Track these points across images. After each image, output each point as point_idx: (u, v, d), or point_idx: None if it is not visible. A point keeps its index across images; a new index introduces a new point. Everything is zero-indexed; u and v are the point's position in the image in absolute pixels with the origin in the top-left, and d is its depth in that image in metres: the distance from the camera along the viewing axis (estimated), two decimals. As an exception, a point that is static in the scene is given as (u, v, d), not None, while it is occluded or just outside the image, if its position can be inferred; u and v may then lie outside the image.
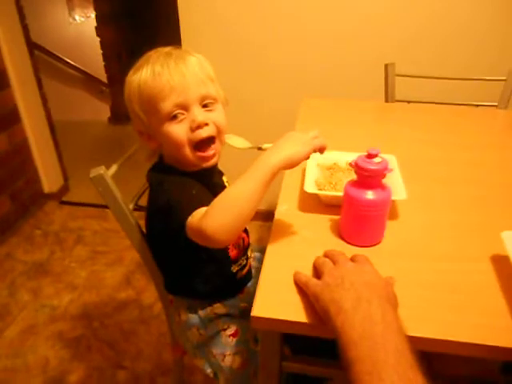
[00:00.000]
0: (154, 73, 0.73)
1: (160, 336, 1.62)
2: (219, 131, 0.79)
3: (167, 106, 0.74)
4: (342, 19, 1.79)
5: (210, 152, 0.78)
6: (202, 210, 0.69)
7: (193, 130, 0.75)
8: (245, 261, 0.93)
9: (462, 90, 1.53)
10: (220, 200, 0.67)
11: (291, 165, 0.68)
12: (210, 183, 0.84)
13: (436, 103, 1.46)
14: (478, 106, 1.49)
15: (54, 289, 1.88)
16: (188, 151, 0.77)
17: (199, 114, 0.75)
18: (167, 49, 0.79)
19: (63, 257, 2.09)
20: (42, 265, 2.03)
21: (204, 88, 0.76)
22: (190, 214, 0.69)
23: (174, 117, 0.75)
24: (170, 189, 0.76)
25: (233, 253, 0.88)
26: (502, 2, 1.65)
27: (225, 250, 0.87)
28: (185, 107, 0.75)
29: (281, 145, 0.69)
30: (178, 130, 0.75)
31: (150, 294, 1.81)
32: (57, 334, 1.65)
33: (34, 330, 1.67)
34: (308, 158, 0.71)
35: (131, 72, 0.78)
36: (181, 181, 0.77)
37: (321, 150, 0.74)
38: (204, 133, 0.76)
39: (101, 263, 2.04)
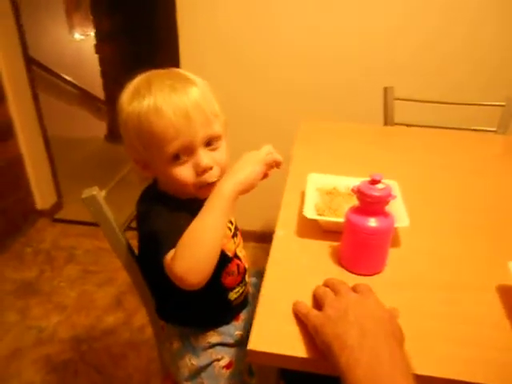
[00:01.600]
0: (156, 109, 0.68)
1: (150, 361, 1.56)
2: (222, 170, 0.76)
3: (171, 148, 0.70)
4: (341, 42, 1.79)
5: (211, 190, 0.75)
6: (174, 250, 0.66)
7: (199, 174, 0.73)
8: (243, 287, 0.90)
9: (460, 115, 1.53)
10: (184, 239, 0.64)
11: (247, 188, 0.67)
12: None
13: (435, 127, 1.45)
14: (476, 130, 1.48)
15: (42, 309, 1.83)
16: (191, 189, 0.74)
17: (204, 157, 0.72)
18: (170, 76, 0.74)
19: (53, 276, 2.04)
20: (31, 284, 1.98)
21: (209, 128, 0.72)
22: (165, 251, 0.66)
23: (177, 157, 0.71)
24: (155, 219, 0.73)
25: (227, 280, 0.85)
26: (500, 26, 1.66)
27: (217, 279, 0.83)
28: (189, 150, 0.71)
29: (234, 169, 0.68)
30: (184, 173, 0.72)
31: (140, 316, 1.76)
32: (44, 358, 1.59)
33: (20, 352, 1.61)
34: (266, 176, 0.71)
35: (129, 96, 0.73)
36: (168, 212, 0.73)
37: (277, 165, 0.73)
38: (210, 178, 0.73)
39: (91, 283, 1.99)
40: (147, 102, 0.69)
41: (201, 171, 0.72)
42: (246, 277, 0.93)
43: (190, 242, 0.64)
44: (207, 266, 0.65)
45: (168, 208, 0.74)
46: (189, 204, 0.75)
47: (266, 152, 0.71)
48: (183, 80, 0.73)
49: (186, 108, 0.69)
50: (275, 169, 0.74)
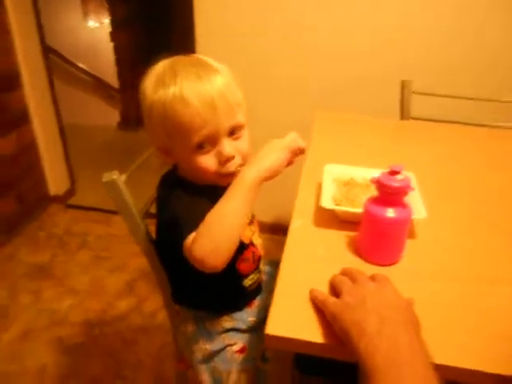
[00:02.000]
0: (182, 98, 0.69)
1: (162, 346, 1.59)
2: (244, 159, 0.77)
3: (195, 138, 0.71)
4: (357, 36, 1.79)
5: (232, 178, 0.76)
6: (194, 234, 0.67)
7: (222, 163, 0.74)
8: (257, 275, 0.91)
9: (476, 111, 1.52)
10: (205, 223, 0.66)
11: (272, 174, 0.68)
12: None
13: (451, 122, 1.44)
14: (492, 126, 1.47)
15: (55, 293, 1.86)
16: (212, 178, 0.76)
17: (227, 147, 0.73)
18: (195, 63, 0.74)
19: (66, 260, 2.07)
20: (44, 268, 2.01)
21: (233, 118, 0.73)
22: (185, 235, 0.68)
23: (201, 146, 0.72)
24: (175, 205, 0.74)
25: (242, 267, 0.86)
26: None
27: (232, 265, 0.83)
28: (213, 139, 0.72)
29: (259, 156, 0.69)
30: (207, 162, 0.73)
31: (152, 302, 1.79)
32: (56, 340, 1.62)
33: (33, 334, 1.65)
34: (290, 163, 0.72)
35: (153, 84, 0.72)
36: (189, 197, 0.75)
37: (301, 152, 0.73)
38: (232, 167, 0.74)
39: (103, 269, 2.02)
40: (173, 91, 0.69)
41: (224, 160, 0.73)
42: (261, 264, 0.94)
43: (210, 225, 0.65)
44: (226, 251, 0.66)
45: (188, 193, 0.75)
46: (209, 190, 0.76)
47: (291, 139, 0.72)
48: (207, 68, 0.73)
49: (212, 97, 0.70)
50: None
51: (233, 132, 0.74)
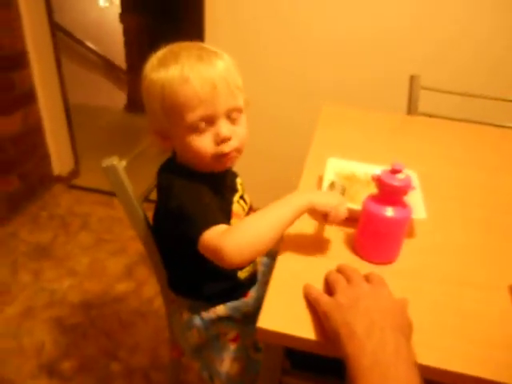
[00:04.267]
0: (182, 77, 0.69)
1: (157, 331, 1.60)
2: (241, 143, 0.77)
3: (192, 117, 0.71)
4: (365, 31, 1.77)
5: (229, 162, 0.77)
6: (220, 227, 0.67)
7: (217, 143, 0.74)
8: (253, 267, 0.91)
9: (484, 109, 1.50)
10: (244, 225, 0.67)
11: (316, 209, 0.68)
12: (222, 185, 0.83)
13: (458, 120, 1.43)
14: (500, 126, 1.45)
15: (55, 273, 1.87)
16: (208, 161, 0.75)
17: (224, 127, 0.73)
18: (196, 48, 0.74)
19: (67, 241, 2.08)
20: (45, 247, 2.03)
21: (232, 101, 0.73)
22: (203, 228, 0.67)
23: (197, 128, 0.72)
24: (180, 194, 0.73)
25: None
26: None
27: None
28: (211, 120, 0.72)
29: (320, 191, 0.78)
30: (203, 143, 0.73)
31: (150, 287, 1.80)
32: (54, 319, 1.64)
33: (32, 312, 1.66)
34: (325, 220, 0.70)
35: (154, 65, 0.73)
36: (192, 186, 0.74)
37: (335, 222, 0.71)
38: (227, 148, 0.74)
39: (104, 251, 2.03)
40: (173, 70, 0.70)
41: (220, 141, 0.73)
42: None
43: (251, 228, 0.66)
44: (254, 256, 0.68)
45: (190, 182, 0.75)
46: (208, 178, 0.76)
47: (345, 206, 0.70)
48: (210, 52, 0.74)
49: (212, 78, 0.70)
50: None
51: (230, 115, 0.74)
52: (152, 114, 0.76)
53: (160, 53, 0.75)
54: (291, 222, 0.68)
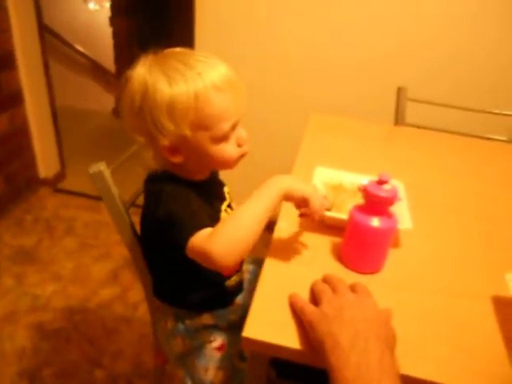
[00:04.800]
0: (215, 86, 0.68)
1: (142, 337, 1.59)
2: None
3: (226, 127, 0.71)
4: (355, 40, 1.78)
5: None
6: (206, 230, 0.67)
7: (240, 146, 0.75)
8: (240, 276, 0.91)
9: (472, 122, 1.52)
10: (227, 224, 0.66)
11: (292, 195, 0.69)
12: (210, 194, 0.82)
13: (445, 131, 1.44)
14: (488, 139, 1.47)
15: (38, 277, 1.84)
16: (231, 165, 0.77)
17: (243, 131, 0.76)
18: (193, 54, 0.73)
19: (51, 245, 2.05)
20: (29, 251, 2.00)
21: (246, 103, 0.74)
22: (191, 233, 0.67)
23: (226, 135, 0.72)
24: (169, 200, 0.72)
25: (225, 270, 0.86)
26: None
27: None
28: (235, 125, 0.73)
29: (293, 176, 0.76)
30: (230, 149, 0.74)
31: (135, 292, 1.78)
32: (37, 324, 1.61)
33: (15, 317, 1.63)
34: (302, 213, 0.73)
35: (165, 78, 0.68)
36: (181, 192, 0.73)
37: (315, 215, 0.73)
38: (247, 148, 0.77)
39: (89, 256, 2.00)
40: (201, 82, 0.67)
41: (242, 143, 0.75)
42: (244, 265, 0.94)
43: (233, 227, 0.66)
44: (241, 252, 0.66)
45: (179, 190, 0.74)
46: (197, 186, 0.76)
47: (321, 194, 0.73)
48: (205, 56, 0.73)
49: (240, 88, 0.72)
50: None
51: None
52: (155, 127, 0.70)
53: (166, 67, 0.69)
54: (272, 210, 0.68)
